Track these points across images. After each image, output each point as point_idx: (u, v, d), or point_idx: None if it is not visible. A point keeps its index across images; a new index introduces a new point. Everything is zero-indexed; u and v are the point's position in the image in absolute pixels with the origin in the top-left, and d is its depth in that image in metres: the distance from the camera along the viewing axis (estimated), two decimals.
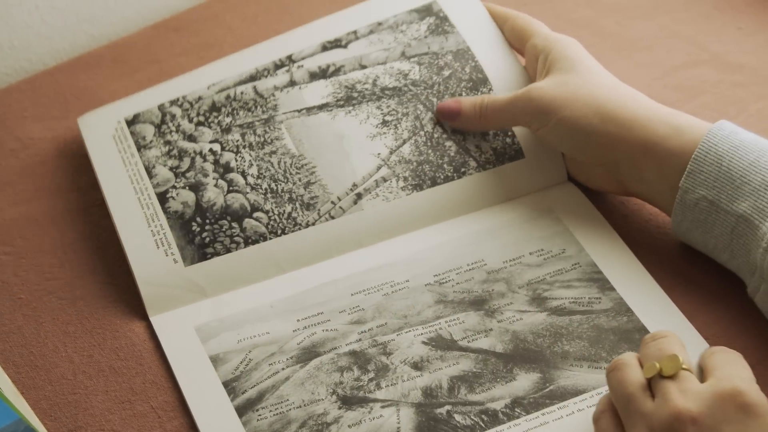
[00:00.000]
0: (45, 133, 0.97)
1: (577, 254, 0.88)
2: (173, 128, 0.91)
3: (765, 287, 0.81)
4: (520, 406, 0.79)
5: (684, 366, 0.73)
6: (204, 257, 0.86)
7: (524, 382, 0.80)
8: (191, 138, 0.91)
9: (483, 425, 0.78)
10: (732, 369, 0.73)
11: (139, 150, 0.90)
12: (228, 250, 0.87)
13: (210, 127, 0.91)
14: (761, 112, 0.96)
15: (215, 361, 0.82)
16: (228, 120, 0.91)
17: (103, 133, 0.93)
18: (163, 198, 0.88)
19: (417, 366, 0.82)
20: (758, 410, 0.70)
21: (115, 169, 0.91)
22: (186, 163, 0.89)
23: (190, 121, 0.92)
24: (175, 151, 0.90)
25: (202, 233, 0.87)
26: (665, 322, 0.83)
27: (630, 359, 0.74)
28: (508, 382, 0.80)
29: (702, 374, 0.74)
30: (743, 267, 0.83)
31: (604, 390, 0.79)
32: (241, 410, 0.79)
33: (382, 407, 0.79)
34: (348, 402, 0.80)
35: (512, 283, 0.86)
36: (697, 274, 0.86)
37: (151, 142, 0.91)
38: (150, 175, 0.89)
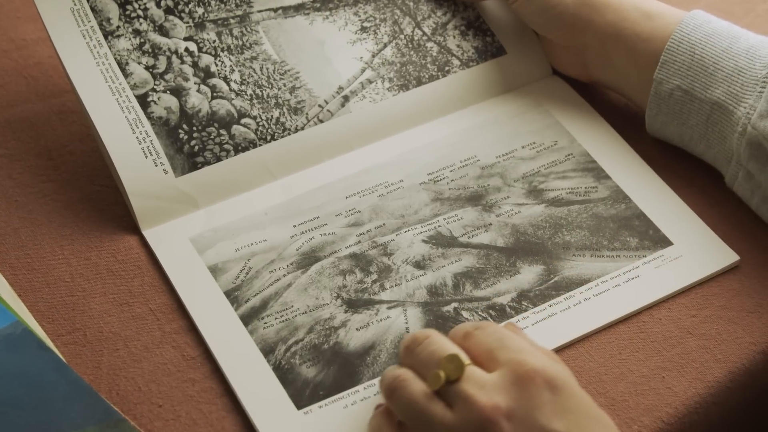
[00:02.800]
0: (38, 34, 0.95)
1: (570, 145, 0.88)
2: (140, 12, 0.87)
3: (742, 173, 0.81)
4: (527, 299, 0.79)
5: (467, 363, 0.67)
6: (194, 167, 0.84)
7: (528, 274, 0.80)
8: (162, 30, 0.88)
9: (492, 320, 0.78)
10: (510, 346, 0.68)
11: (106, 38, 0.86)
12: (218, 159, 0.85)
13: (181, 17, 0.88)
14: None
15: (214, 271, 0.81)
16: (200, 11, 0.88)
17: (59, 6, 0.88)
18: (144, 102, 0.86)
19: (419, 265, 0.81)
20: (559, 383, 0.66)
21: (79, 50, 0.86)
22: (162, 62, 0.87)
23: (158, 5, 0.88)
24: (147, 46, 0.87)
25: (191, 141, 0.85)
26: (663, 207, 0.84)
27: (405, 374, 0.68)
28: (513, 276, 0.80)
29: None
30: (719, 156, 0.83)
31: (609, 277, 0.80)
32: (246, 319, 0.78)
33: (389, 308, 0.79)
34: (354, 305, 0.79)
35: (507, 177, 0.86)
36: (677, 160, 0.87)
37: (118, 28, 0.87)
38: (125, 73, 0.86)
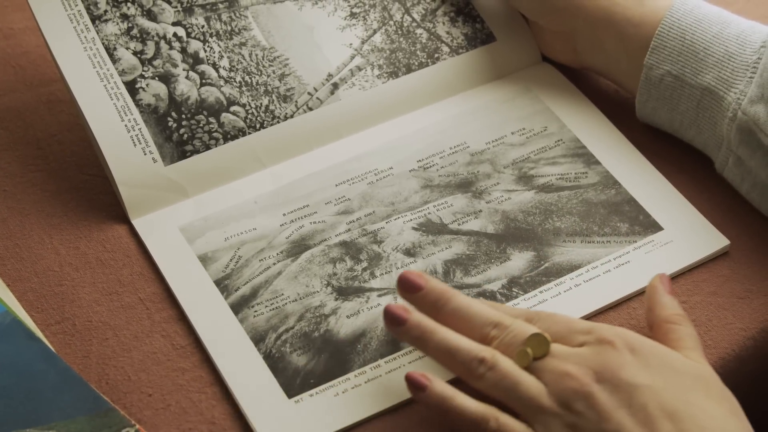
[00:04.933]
0: (26, 23, 0.94)
1: (559, 131, 0.87)
2: None
3: (733, 159, 0.81)
4: (517, 285, 0.79)
5: (550, 340, 0.70)
6: (183, 155, 0.84)
7: (519, 261, 0.80)
8: (151, 15, 0.87)
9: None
10: (579, 328, 0.71)
11: (94, 22, 0.86)
12: (207, 147, 0.85)
13: (169, 2, 0.88)
14: None
15: (204, 260, 0.81)
16: None
17: None
18: (132, 88, 0.85)
19: (410, 252, 0.81)
20: (638, 344, 0.69)
21: (66, 35, 0.86)
22: (151, 48, 0.86)
23: None
24: (135, 31, 0.87)
25: (180, 129, 0.85)
26: (653, 192, 0.84)
27: (492, 353, 0.70)
28: (503, 263, 0.80)
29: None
30: (710, 142, 0.83)
31: (599, 263, 0.79)
32: (237, 307, 0.78)
33: (379, 296, 0.78)
34: (344, 293, 0.79)
35: (497, 164, 0.86)
36: (667, 146, 0.87)
37: (105, 12, 0.87)
38: (113, 59, 0.86)
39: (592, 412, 0.67)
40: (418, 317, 0.73)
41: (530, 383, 0.69)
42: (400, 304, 0.74)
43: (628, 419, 0.66)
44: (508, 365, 0.70)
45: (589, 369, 0.68)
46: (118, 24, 0.87)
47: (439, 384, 0.70)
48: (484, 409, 0.69)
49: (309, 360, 0.75)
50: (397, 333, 0.73)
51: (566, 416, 0.67)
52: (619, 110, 0.89)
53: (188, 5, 0.88)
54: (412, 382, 0.71)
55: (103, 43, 0.86)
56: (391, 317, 0.73)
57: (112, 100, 0.85)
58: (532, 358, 0.70)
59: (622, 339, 0.69)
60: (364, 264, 0.80)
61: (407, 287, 0.74)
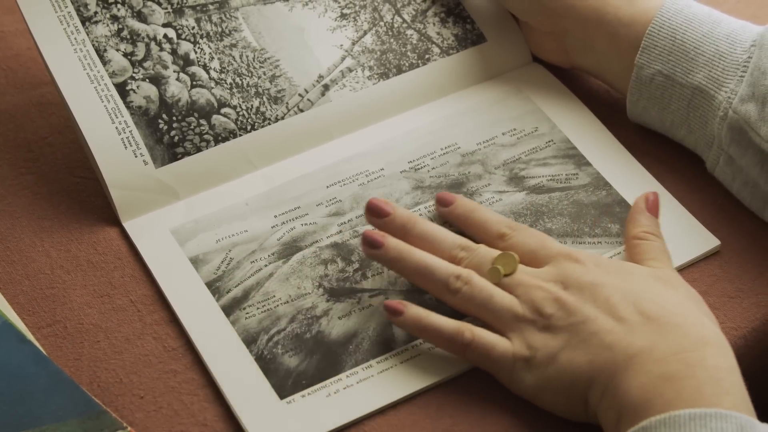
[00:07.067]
0: (16, 26, 0.94)
1: (550, 131, 0.88)
2: None
3: (724, 158, 0.82)
4: None
5: (518, 259, 0.76)
6: (174, 157, 0.84)
7: None
8: (141, 17, 0.87)
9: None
10: (552, 246, 0.76)
11: (84, 24, 0.86)
12: (198, 149, 0.84)
13: (159, 3, 0.87)
14: None
15: (195, 262, 0.80)
16: None
17: None
18: (122, 90, 0.85)
19: None
20: (606, 261, 0.75)
21: (56, 36, 0.86)
22: (141, 49, 0.86)
23: None
24: (126, 33, 0.87)
25: (171, 131, 0.85)
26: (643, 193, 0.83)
27: (467, 272, 0.75)
28: None
29: None
30: (701, 141, 0.83)
31: None
32: (228, 309, 0.78)
33: (371, 297, 0.79)
34: (335, 294, 0.79)
35: (488, 164, 0.86)
36: (657, 146, 0.87)
37: (95, 14, 0.87)
38: (103, 61, 0.86)
39: (562, 311, 0.72)
40: (394, 240, 0.77)
41: (503, 295, 0.74)
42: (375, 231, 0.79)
43: (594, 310, 0.72)
44: (481, 281, 0.75)
45: (556, 280, 0.74)
46: (108, 25, 0.87)
47: (414, 307, 0.75)
48: (458, 324, 0.74)
49: (301, 361, 0.75)
50: (374, 256, 0.78)
51: (539, 321, 0.73)
52: (610, 110, 0.89)
53: (178, 6, 0.88)
54: (389, 308, 0.75)
55: (93, 45, 0.86)
56: (369, 241, 0.77)
57: (102, 102, 0.85)
58: (502, 274, 0.75)
59: (587, 256, 0.75)
60: (356, 265, 0.80)
61: (375, 212, 0.79)
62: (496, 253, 0.76)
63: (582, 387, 0.70)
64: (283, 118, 0.86)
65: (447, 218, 0.81)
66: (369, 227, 0.82)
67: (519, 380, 0.73)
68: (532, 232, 0.77)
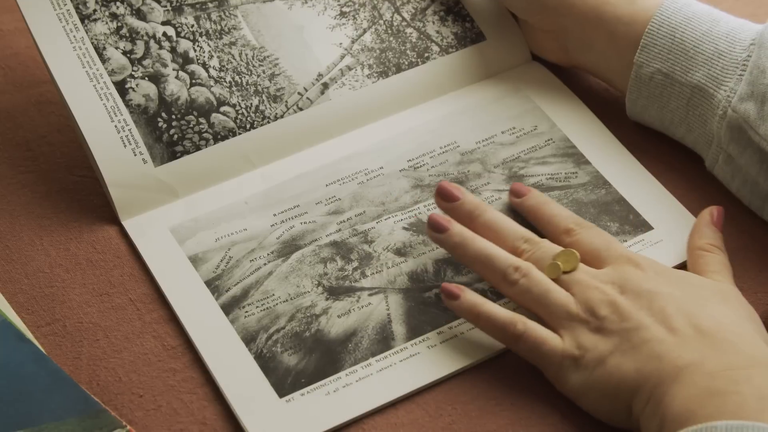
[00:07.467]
0: (15, 24, 0.94)
1: (550, 130, 0.88)
2: None
3: (723, 157, 0.82)
4: None
5: (579, 257, 0.75)
6: (174, 156, 0.84)
7: None
8: (140, 14, 0.87)
9: None
10: (617, 249, 0.76)
11: (83, 21, 0.86)
12: (197, 148, 0.85)
13: (159, 1, 0.87)
14: None
15: (195, 261, 0.81)
16: None
17: None
18: (122, 89, 0.85)
19: (400, 252, 0.81)
20: (668, 271, 0.75)
21: (55, 34, 0.86)
22: (140, 47, 0.86)
23: None
24: (125, 31, 0.87)
25: (170, 130, 0.85)
26: (643, 192, 0.84)
27: (526, 265, 0.75)
28: None
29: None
30: (700, 139, 0.83)
31: None
32: (227, 308, 0.78)
33: (370, 295, 0.79)
34: (335, 292, 0.79)
35: (487, 163, 0.86)
36: (656, 145, 0.87)
37: (94, 11, 0.87)
38: (102, 59, 0.86)
39: (615, 315, 0.72)
40: (459, 226, 0.78)
41: (560, 292, 0.74)
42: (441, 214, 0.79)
43: (648, 318, 0.71)
44: (540, 275, 0.75)
45: (614, 283, 0.74)
46: (107, 23, 0.87)
47: (471, 293, 0.76)
48: (511, 314, 0.74)
49: (300, 360, 0.75)
50: (437, 240, 0.78)
51: (592, 322, 0.72)
52: (609, 109, 0.89)
53: (177, 4, 0.88)
54: (446, 291, 0.76)
55: (92, 43, 0.86)
56: (434, 224, 0.78)
57: (101, 100, 0.85)
58: (562, 271, 0.75)
59: (650, 263, 0.75)
60: (355, 264, 0.80)
61: (445, 196, 0.79)
62: (558, 249, 0.76)
63: (627, 393, 0.70)
64: (282, 116, 0.86)
65: (518, 209, 0.81)
66: (371, 225, 0.82)
67: (565, 379, 0.72)
68: (600, 232, 0.77)
